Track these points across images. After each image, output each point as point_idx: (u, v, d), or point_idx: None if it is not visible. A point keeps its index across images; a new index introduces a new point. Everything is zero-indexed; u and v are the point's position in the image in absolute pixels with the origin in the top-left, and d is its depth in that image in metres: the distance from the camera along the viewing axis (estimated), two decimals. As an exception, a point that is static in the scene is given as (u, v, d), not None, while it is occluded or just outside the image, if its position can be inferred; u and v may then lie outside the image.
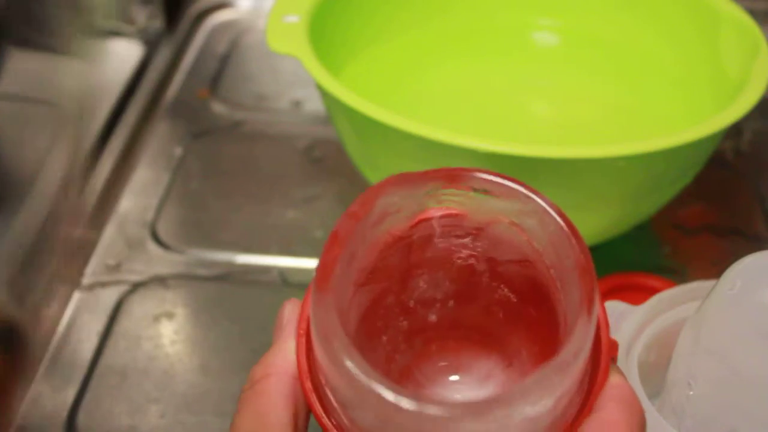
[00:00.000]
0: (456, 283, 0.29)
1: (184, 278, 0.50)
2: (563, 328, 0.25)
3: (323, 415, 0.25)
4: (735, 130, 0.61)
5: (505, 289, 0.28)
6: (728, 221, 0.55)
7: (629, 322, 0.37)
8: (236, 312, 0.49)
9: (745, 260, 0.32)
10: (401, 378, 0.29)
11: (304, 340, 0.26)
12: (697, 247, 0.53)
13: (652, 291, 0.41)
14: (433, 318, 0.29)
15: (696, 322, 0.33)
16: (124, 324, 0.48)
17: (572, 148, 0.41)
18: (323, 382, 0.25)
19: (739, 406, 0.32)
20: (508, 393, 0.22)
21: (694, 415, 0.33)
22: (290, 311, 0.27)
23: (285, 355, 0.26)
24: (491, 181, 0.26)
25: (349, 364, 0.22)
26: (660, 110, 0.55)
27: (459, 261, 0.28)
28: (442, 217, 0.27)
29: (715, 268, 0.48)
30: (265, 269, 0.51)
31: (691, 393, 0.33)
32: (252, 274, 0.51)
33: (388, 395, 0.22)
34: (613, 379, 0.25)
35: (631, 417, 0.24)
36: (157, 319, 0.48)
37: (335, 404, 0.24)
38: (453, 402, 0.22)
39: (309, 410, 0.26)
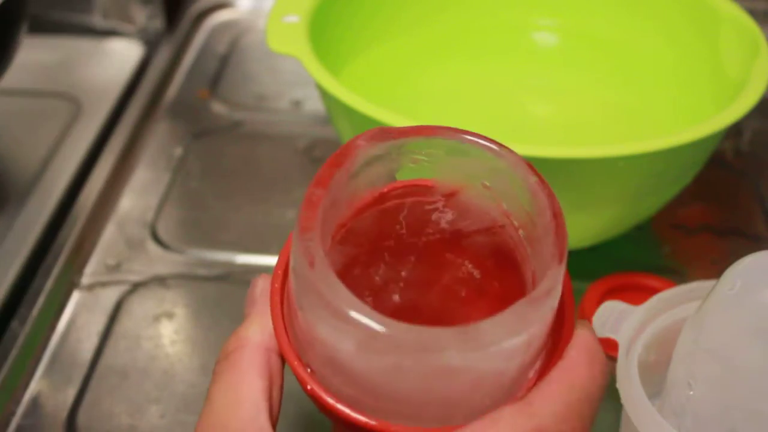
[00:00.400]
0: (421, 260, 0.29)
1: (184, 278, 0.50)
2: (530, 288, 0.26)
3: (297, 360, 0.25)
4: (735, 130, 0.61)
5: (469, 265, 0.29)
6: (728, 221, 0.55)
7: (629, 322, 0.37)
8: (236, 312, 0.48)
9: (745, 260, 0.32)
10: None
11: (279, 287, 0.26)
12: (697, 247, 0.53)
13: (652, 291, 0.41)
14: (396, 298, 0.30)
15: (696, 322, 0.33)
16: (124, 324, 0.48)
17: (572, 148, 0.41)
18: (299, 325, 0.25)
19: (738, 405, 0.32)
20: (486, 321, 0.23)
21: (694, 415, 0.33)
22: (263, 285, 0.28)
23: (258, 327, 0.26)
24: (466, 137, 0.27)
25: (334, 284, 0.23)
26: (660, 110, 0.54)
27: (425, 237, 0.29)
28: (412, 186, 0.28)
29: (715, 268, 0.48)
30: (265, 269, 0.51)
31: (691, 393, 0.33)
32: (252, 274, 0.50)
33: (365, 315, 0.22)
34: (579, 332, 0.26)
35: (592, 361, 0.25)
36: (157, 319, 0.48)
37: (308, 345, 0.24)
38: (434, 330, 0.23)
39: (282, 380, 0.26)
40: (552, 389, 0.24)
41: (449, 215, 0.28)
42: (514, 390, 0.24)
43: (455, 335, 0.22)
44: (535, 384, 0.25)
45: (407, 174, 0.27)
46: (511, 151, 0.26)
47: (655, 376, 0.36)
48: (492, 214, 0.27)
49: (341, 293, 0.23)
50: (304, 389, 0.25)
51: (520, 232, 0.27)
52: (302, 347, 0.25)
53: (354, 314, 0.22)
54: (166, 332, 0.47)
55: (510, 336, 0.23)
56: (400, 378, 0.23)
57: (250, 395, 0.25)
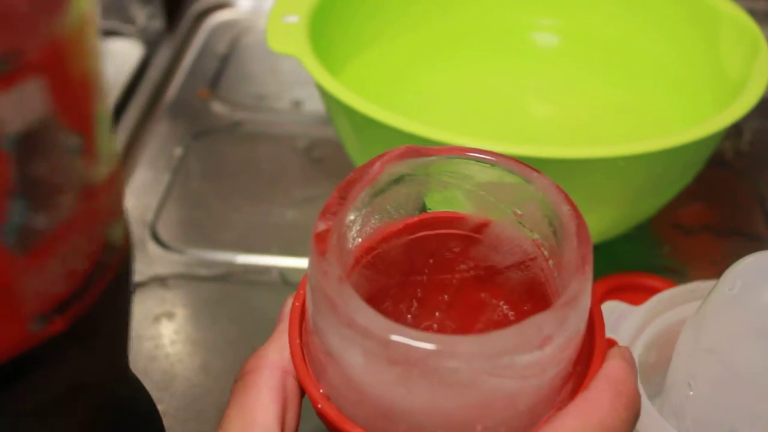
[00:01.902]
0: (455, 300, 0.28)
1: (184, 278, 0.50)
2: None
3: (309, 380, 0.24)
4: (735, 130, 0.61)
5: (505, 307, 0.28)
6: (728, 221, 0.55)
7: (629, 322, 0.37)
8: (236, 312, 0.49)
9: (745, 260, 0.32)
10: None
11: (299, 306, 0.26)
12: (697, 247, 0.53)
13: (652, 291, 0.41)
14: None
15: (696, 322, 0.33)
16: (124, 324, 0.48)
17: (572, 149, 0.41)
18: (313, 342, 0.24)
19: (738, 405, 0.32)
20: (499, 331, 0.22)
21: (694, 415, 0.33)
22: (290, 302, 0.27)
23: (277, 347, 0.26)
24: (496, 159, 0.26)
25: (345, 291, 0.22)
26: (660, 110, 0.55)
27: (458, 274, 0.28)
28: (443, 219, 0.27)
29: (715, 268, 0.48)
30: (265, 269, 0.51)
31: (691, 393, 0.33)
32: (252, 274, 0.51)
33: (381, 324, 0.22)
34: (609, 362, 0.24)
35: (617, 396, 0.23)
36: (157, 319, 0.48)
37: (322, 365, 0.24)
38: (443, 336, 0.22)
39: (299, 405, 0.26)
40: (565, 424, 0.23)
41: (481, 249, 0.27)
42: (533, 421, 0.23)
43: (464, 342, 0.22)
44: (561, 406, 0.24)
45: (436, 198, 0.27)
46: (542, 174, 0.26)
47: (655, 376, 0.36)
48: (524, 246, 0.26)
49: (350, 300, 0.22)
50: (315, 408, 0.24)
51: (550, 262, 0.26)
52: (317, 368, 0.25)
53: (361, 320, 0.22)
54: (166, 332, 0.47)
55: (523, 349, 0.22)
56: (408, 393, 0.22)
57: (262, 419, 0.25)
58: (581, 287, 0.23)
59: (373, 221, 0.26)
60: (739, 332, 0.32)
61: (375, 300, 0.23)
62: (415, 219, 0.27)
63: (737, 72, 0.48)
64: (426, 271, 0.28)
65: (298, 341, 0.25)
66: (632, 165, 0.42)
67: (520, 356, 0.22)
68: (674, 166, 0.45)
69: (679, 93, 0.54)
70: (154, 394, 0.44)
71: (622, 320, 0.37)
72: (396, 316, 0.28)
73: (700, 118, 0.48)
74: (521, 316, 0.28)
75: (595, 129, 0.56)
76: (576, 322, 0.23)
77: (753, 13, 0.52)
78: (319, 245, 0.23)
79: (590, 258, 0.24)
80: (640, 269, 0.48)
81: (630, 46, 0.57)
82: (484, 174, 0.26)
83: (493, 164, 0.26)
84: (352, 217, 0.25)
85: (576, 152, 0.41)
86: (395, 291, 0.28)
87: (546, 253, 0.26)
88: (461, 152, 0.26)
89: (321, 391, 0.24)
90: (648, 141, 0.41)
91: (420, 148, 0.26)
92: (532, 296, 0.27)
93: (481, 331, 0.28)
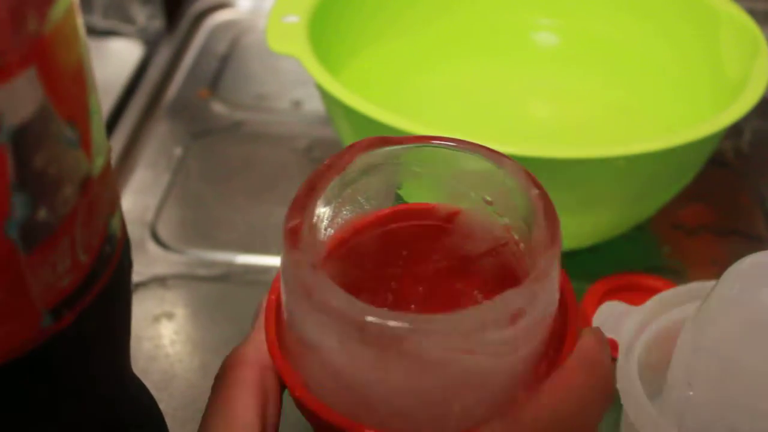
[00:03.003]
0: (430, 292, 0.28)
1: (184, 278, 0.50)
2: None
3: (285, 369, 0.24)
4: (735, 130, 0.61)
5: (479, 296, 0.28)
6: (728, 221, 0.55)
7: (629, 322, 0.37)
8: (236, 312, 0.49)
9: (745, 260, 0.32)
10: None
11: (275, 299, 0.26)
12: (697, 247, 0.53)
13: (652, 291, 0.41)
14: None
15: (696, 323, 0.33)
16: (124, 324, 0.48)
17: (572, 149, 0.41)
18: (289, 332, 0.24)
19: (738, 405, 0.32)
20: (470, 308, 0.22)
21: (694, 415, 0.33)
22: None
23: (255, 343, 0.26)
24: (464, 146, 0.26)
25: (319, 278, 0.22)
26: (660, 110, 0.55)
27: (432, 264, 0.28)
28: (414, 210, 0.27)
29: (715, 268, 0.48)
30: (265, 269, 0.51)
31: (691, 393, 0.33)
32: (252, 274, 0.51)
33: (356, 307, 0.22)
34: (582, 341, 0.24)
35: (590, 375, 0.24)
36: (157, 319, 0.48)
37: (298, 354, 0.24)
38: (417, 315, 0.22)
39: (279, 399, 0.25)
40: (540, 403, 0.23)
41: (454, 239, 0.27)
42: (509, 400, 0.23)
43: (436, 320, 0.22)
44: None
45: (409, 189, 0.27)
46: (511, 160, 0.26)
47: (655, 376, 0.36)
48: (495, 232, 0.27)
49: (324, 285, 0.22)
50: (294, 398, 0.24)
51: (521, 245, 0.26)
52: (294, 359, 0.25)
53: (336, 304, 0.22)
54: (166, 332, 0.47)
55: (495, 325, 0.22)
56: (385, 375, 0.22)
57: (242, 415, 0.25)
58: (549, 264, 0.23)
59: (344, 213, 0.26)
60: (739, 332, 0.32)
61: (349, 293, 0.23)
62: (387, 211, 0.27)
63: (737, 72, 0.48)
64: (400, 263, 0.28)
65: (274, 334, 0.25)
66: (632, 165, 0.42)
67: (492, 332, 0.22)
68: (674, 166, 0.45)
69: (679, 93, 0.54)
70: (154, 394, 0.44)
71: (622, 320, 0.37)
72: None
73: (700, 118, 0.48)
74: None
75: (595, 129, 0.56)
76: (546, 299, 0.23)
77: (753, 13, 0.52)
78: (291, 238, 0.23)
79: (558, 237, 0.24)
80: (640, 269, 0.48)
81: (630, 46, 0.57)
82: (454, 161, 0.26)
83: (462, 151, 0.26)
84: (322, 209, 0.25)
85: (576, 152, 0.41)
86: (370, 284, 0.28)
87: (517, 236, 0.26)
88: (431, 140, 0.26)
89: (299, 381, 0.24)
90: (648, 141, 0.41)
91: (389, 138, 0.26)
92: (506, 282, 0.27)
93: None
